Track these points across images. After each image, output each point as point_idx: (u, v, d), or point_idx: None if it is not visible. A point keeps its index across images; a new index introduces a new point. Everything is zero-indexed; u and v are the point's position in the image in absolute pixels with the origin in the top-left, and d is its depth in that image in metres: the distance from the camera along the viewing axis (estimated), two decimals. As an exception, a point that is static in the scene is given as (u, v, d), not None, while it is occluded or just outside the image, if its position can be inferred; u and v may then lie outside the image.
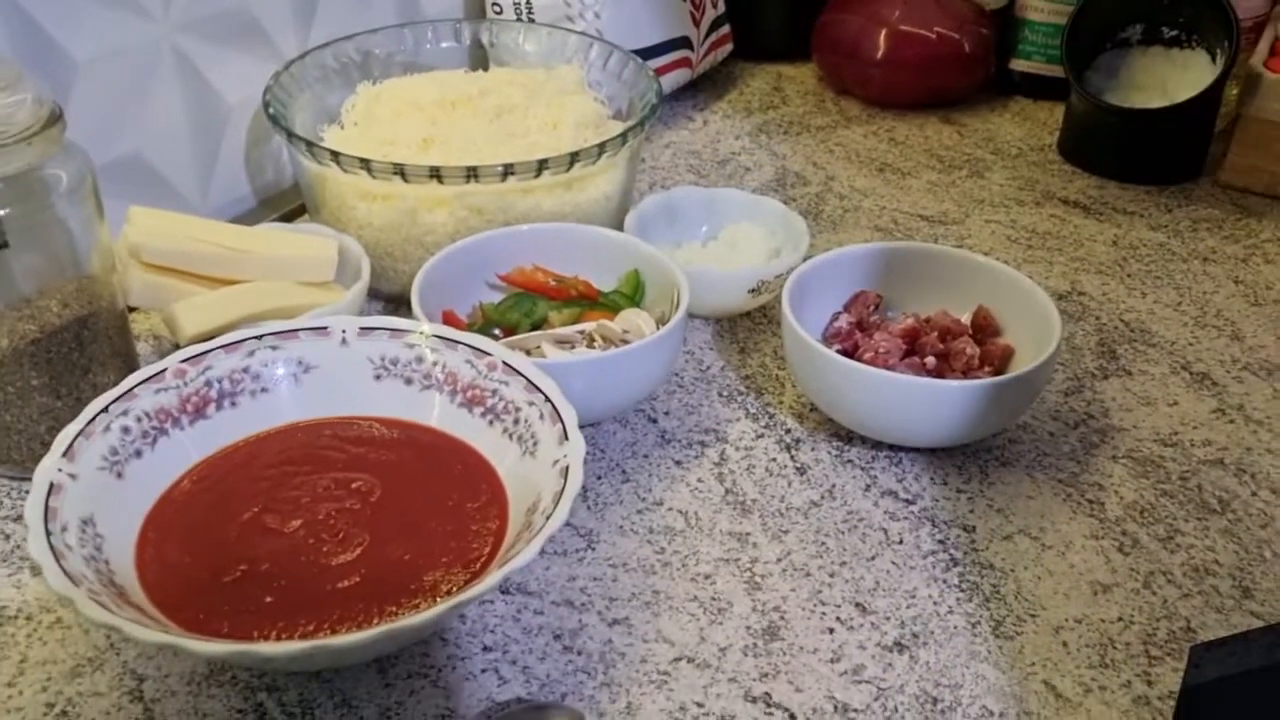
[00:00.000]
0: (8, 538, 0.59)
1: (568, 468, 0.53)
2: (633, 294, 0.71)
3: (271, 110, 0.75)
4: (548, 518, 0.51)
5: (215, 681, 0.52)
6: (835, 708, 0.52)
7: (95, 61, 0.71)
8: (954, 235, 0.87)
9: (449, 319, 0.68)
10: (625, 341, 0.65)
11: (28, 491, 0.60)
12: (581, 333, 0.66)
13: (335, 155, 0.70)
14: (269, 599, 0.51)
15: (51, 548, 0.48)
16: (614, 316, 0.68)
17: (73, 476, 0.53)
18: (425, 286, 0.67)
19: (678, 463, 0.65)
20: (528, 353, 0.65)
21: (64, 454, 0.53)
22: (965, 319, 0.70)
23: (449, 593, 0.51)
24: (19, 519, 0.60)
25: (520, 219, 0.73)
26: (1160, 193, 0.94)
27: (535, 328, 0.69)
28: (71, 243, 0.60)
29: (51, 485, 0.51)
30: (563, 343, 0.66)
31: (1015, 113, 1.07)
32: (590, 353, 0.65)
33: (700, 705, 0.52)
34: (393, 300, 0.77)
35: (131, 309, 0.67)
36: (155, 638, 0.45)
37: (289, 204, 0.87)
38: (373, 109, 0.80)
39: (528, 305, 0.70)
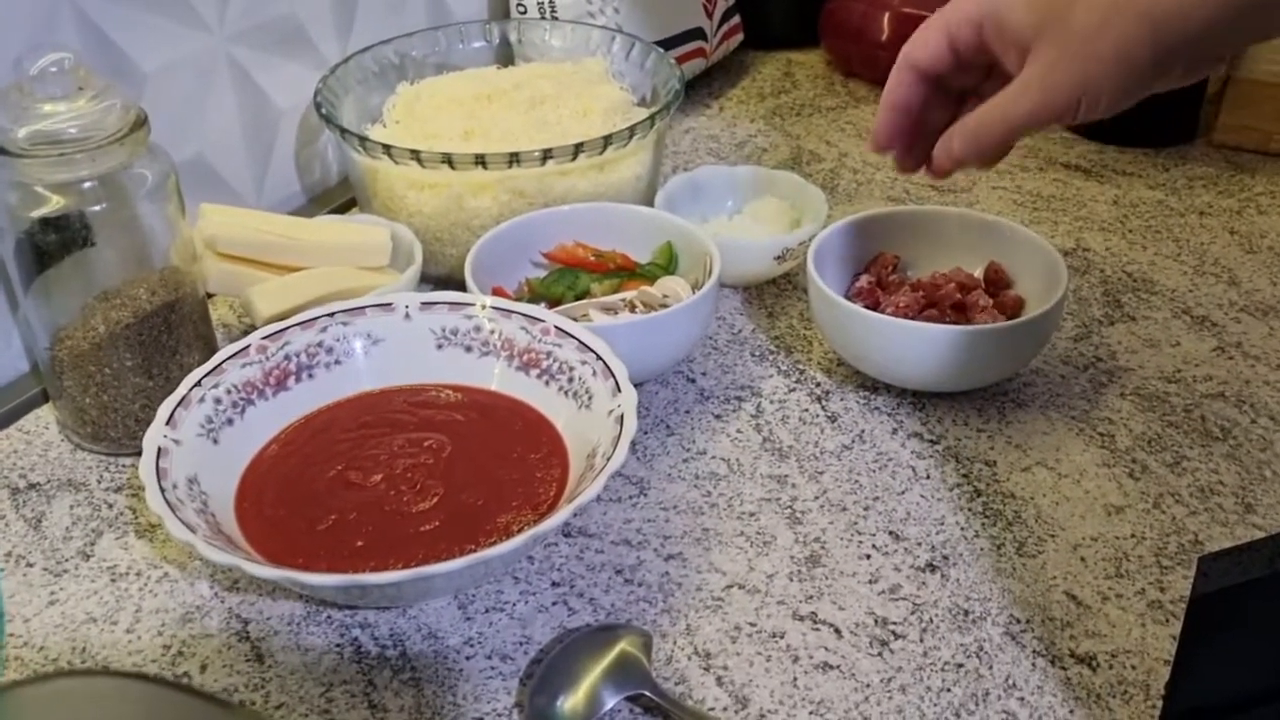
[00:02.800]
0: (111, 506, 0.65)
1: (622, 416, 0.59)
2: (667, 264, 0.76)
3: (324, 111, 0.81)
4: (608, 459, 0.56)
5: (313, 621, 0.58)
6: (875, 621, 0.57)
7: (161, 71, 0.77)
8: (963, 202, 0.93)
9: (498, 294, 0.74)
10: (665, 305, 0.71)
11: (125, 466, 0.66)
12: (624, 300, 0.72)
13: (387, 148, 0.76)
14: (360, 543, 0.57)
15: (167, 502, 0.54)
16: (652, 284, 0.73)
17: (176, 442, 0.58)
18: (476, 266, 0.72)
19: (717, 416, 0.71)
20: (575, 320, 0.70)
21: (167, 422, 0.59)
22: (978, 274, 0.76)
23: (521, 531, 0.57)
24: (119, 490, 0.66)
25: (559, 200, 0.78)
26: (1157, 154, 0.99)
27: (579, 299, 0.74)
28: (156, 236, 0.66)
29: (160, 449, 0.57)
30: (608, 309, 0.71)
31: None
32: (634, 316, 0.70)
33: (753, 624, 0.57)
34: (441, 282, 0.83)
35: (209, 296, 0.73)
36: (272, 573, 0.51)
37: (335, 200, 0.92)
38: (413, 107, 0.86)
39: (570, 279, 0.75)
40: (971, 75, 0.63)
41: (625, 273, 0.76)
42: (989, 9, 0.58)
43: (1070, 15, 0.54)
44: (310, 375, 0.65)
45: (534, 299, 0.75)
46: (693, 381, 0.73)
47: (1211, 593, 0.59)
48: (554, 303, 0.74)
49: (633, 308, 0.72)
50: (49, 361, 0.66)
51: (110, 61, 0.73)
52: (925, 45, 0.62)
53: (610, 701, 0.52)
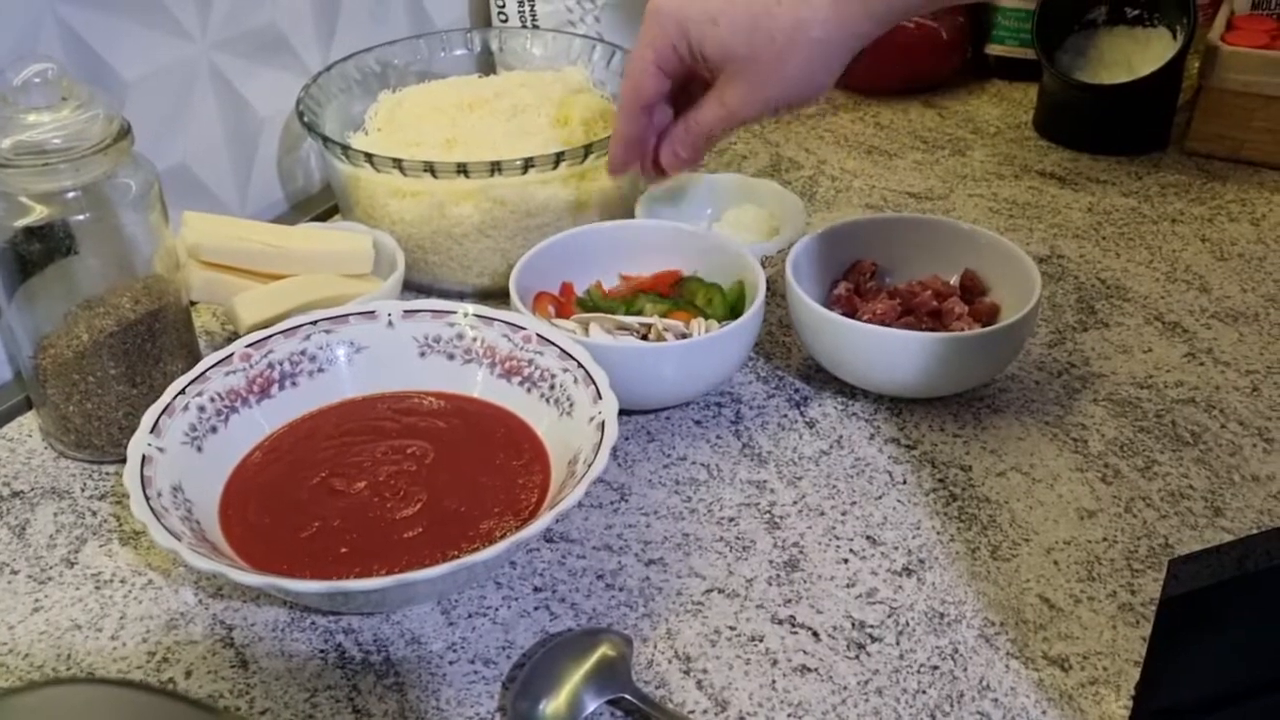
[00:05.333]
0: (95, 514, 0.65)
1: (603, 423, 0.59)
2: (734, 302, 0.74)
3: (306, 119, 0.81)
4: (589, 466, 0.57)
5: (297, 627, 0.58)
6: (853, 624, 0.58)
7: (143, 80, 0.77)
8: (940, 209, 0.94)
9: (540, 300, 0.74)
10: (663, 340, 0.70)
11: (109, 474, 0.67)
12: (642, 324, 0.71)
13: (369, 156, 0.76)
14: (343, 549, 0.58)
15: (152, 510, 0.54)
16: (688, 320, 0.72)
17: (160, 450, 0.59)
18: (524, 271, 0.73)
19: (697, 422, 0.71)
20: (586, 330, 0.71)
21: (151, 430, 0.59)
22: (954, 281, 0.77)
23: (503, 537, 0.57)
24: (103, 498, 0.66)
25: (540, 208, 0.79)
26: (1130, 162, 1.00)
27: (629, 314, 0.73)
28: (139, 245, 0.66)
29: (144, 457, 0.58)
30: (622, 330, 0.71)
31: (992, 94, 1.14)
32: (620, 341, 0.70)
33: (732, 628, 0.58)
34: (424, 289, 0.84)
35: (192, 304, 0.73)
36: (256, 580, 0.51)
37: (318, 207, 0.93)
38: (395, 115, 0.87)
39: (631, 298, 0.75)
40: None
41: (684, 302, 0.75)
42: (679, 34, 0.67)
43: (754, 49, 0.65)
44: (294, 383, 0.66)
45: (591, 305, 0.75)
46: (673, 388, 0.74)
47: (1181, 595, 0.60)
48: (607, 313, 0.73)
49: (645, 335, 0.71)
50: (32, 369, 0.66)
51: (93, 71, 0.74)
52: (644, 89, 0.70)
53: (591, 705, 0.53)
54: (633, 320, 0.71)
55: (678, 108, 0.73)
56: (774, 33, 0.64)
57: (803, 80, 0.66)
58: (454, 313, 0.68)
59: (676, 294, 0.76)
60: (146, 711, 0.30)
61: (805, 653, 0.57)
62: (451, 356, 0.68)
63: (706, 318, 0.72)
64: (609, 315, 0.72)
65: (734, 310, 0.73)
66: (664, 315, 0.73)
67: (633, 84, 0.70)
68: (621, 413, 0.61)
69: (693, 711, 0.54)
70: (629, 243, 0.78)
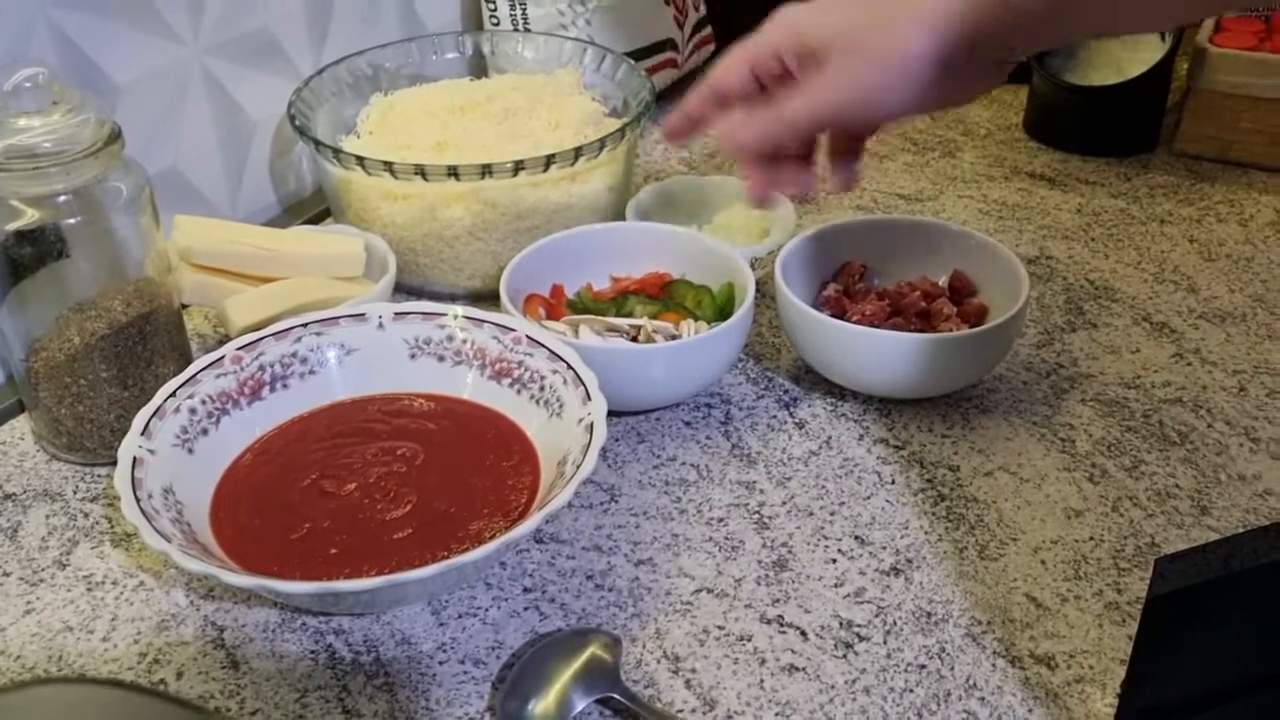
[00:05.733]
0: (87, 516, 0.65)
1: (592, 424, 0.60)
2: (723, 304, 0.75)
3: (297, 122, 0.81)
4: (578, 467, 0.57)
5: (288, 628, 0.58)
6: (841, 624, 0.58)
7: (135, 84, 0.77)
8: (930, 211, 0.94)
9: (531, 302, 0.75)
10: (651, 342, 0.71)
11: (100, 477, 0.67)
12: (632, 326, 0.71)
13: (360, 160, 0.77)
14: (334, 551, 0.58)
15: (143, 512, 0.55)
16: (677, 322, 0.72)
17: (151, 452, 0.59)
18: (514, 273, 0.73)
19: (687, 423, 0.72)
20: (576, 332, 0.71)
21: (142, 432, 0.59)
22: (943, 282, 0.77)
23: (493, 538, 0.58)
24: (95, 500, 0.66)
25: (531, 211, 0.79)
26: (1119, 163, 1.01)
27: (619, 315, 0.74)
28: (131, 248, 0.66)
29: (135, 459, 0.58)
30: (612, 331, 0.71)
31: (982, 96, 1.14)
32: (609, 343, 0.70)
33: (721, 628, 0.58)
34: (414, 292, 0.84)
35: (184, 306, 0.73)
36: (247, 581, 0.51)
37: (310, 210, 0.93)
38: (387, 118, 0.87)
39: (621, 298, 0.76)
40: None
41: (674, 304, 0.75)
42: (788, 33, 0.62)
43: (855, 24, 0.59)
44: (285, 385, 0.66)
45: (581, 307, 0.75)
46: (663, 389, 0.75)
47: (1167, 594, 0.60)
48: (597, 315, 0.74)
49: (635, 336, 0.72)
50: (24, 373, 0.67)
51: (84, 75, 0.74)
52: (729, 75, 0.64)
53: (580, 704, 0.53)
54: (622, 322, 0.72)
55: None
56: (880, 7, 0.58)
57: (897, 64, 0.58)
58: (444, 315, 0.68)
59: (666, 296, 0.76)
60: (135, 711, 0.31)
61: (793, 652, 0.57)
62: (442, 358, 0.68)
63: (696, 319, 0.72)
64: (599, 317, 0.72)
65: (723, 312, 0.74)
66: (654, 317, 0.73)
67: (721, 69, 0.65)
68: (611, 414, 0.62)
69: (681, 710, 0.54)
70: (619, 245, 0.78)
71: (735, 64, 0.64)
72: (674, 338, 0.70)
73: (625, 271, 0.78)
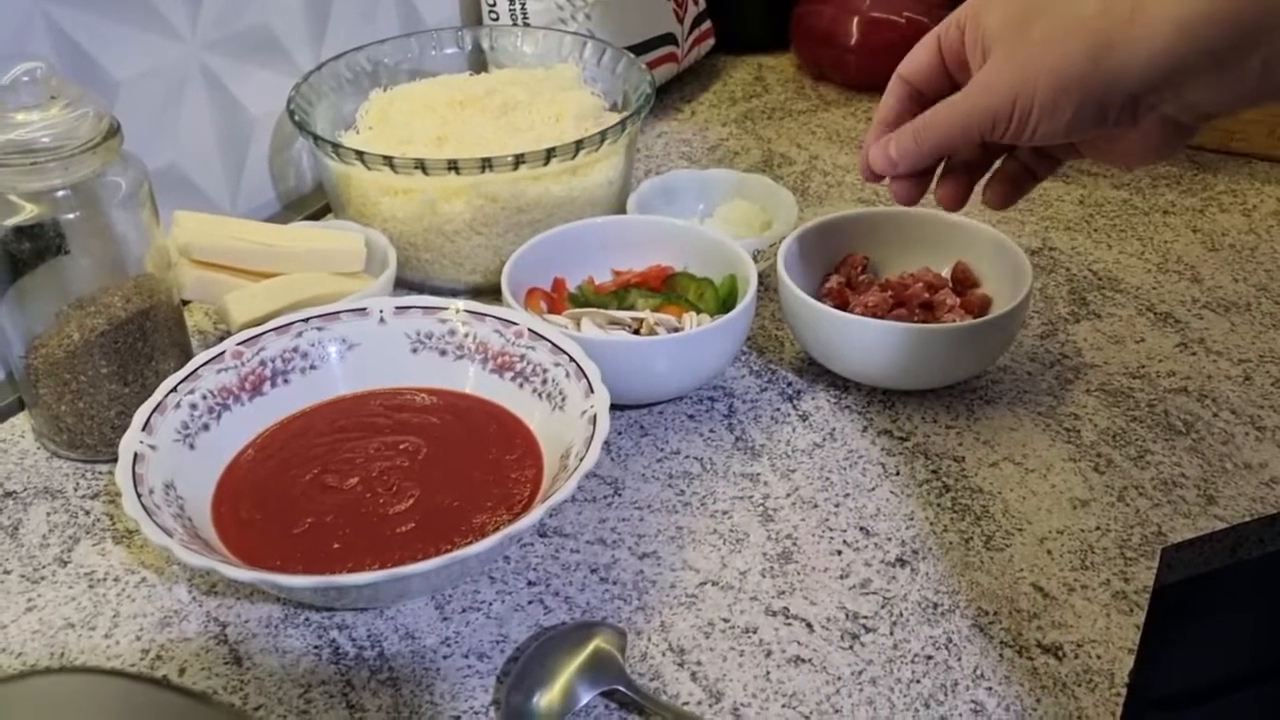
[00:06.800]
0: (88, 513, 0.65)
1: (595, 416, 0.59)
2: (726, 295, 0.74)
3: (297, 118, 0.81)
4: (581, 460, 0.57)
5: (291, 623, 0.58)
6: (846, 615, 0.58)
7: (134, 80, 0.77)
8: (931, 203, 0.93)
9: (532, 295, 0.74)
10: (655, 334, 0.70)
11: (101, 473, 0.67)
12: (634, 319, 0.71)
13: (360, 154, 0.76)
14: (336, 545, 0.58)
15: (144, 507, 0.54)
16: (679, 314, 0.72)
17: (152, 447, 0.59)
18: (515, 268, 0.72)
19: (690, 416, 0.71)
20: (578, 325, 0.70)
21: (143, 428, 0.59)
22: (946, 274, 0.77)
23: (496, 531, 0.57)
24: (95, 497, 0.66)
25: (532, 205, 0.79)
26: (1122, 154, 1.00)
27: (621, 309, 0.73)
28: (130, 244, 0.66)
29: (136, 455, 0.58)
30: (614, 324, 0.71)
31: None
32: (610, 335, 0.70)
33: (726, 620, 0.58)
34: (415, 286, 0.83)
35: (184, 302, 0.73)
36: (249, 576, 0.51)
37: (310, 207, 0.93)
38: (387, 113, 0.87)
39: (622, 291, 0.75)
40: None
41: (677, 296, 0.75)
42: (971, 11, 0.56)
43: (1030, 26, 0.53)
44: (286, 380, 0.66)
45: (583, 301, 0.75)
46: (666, 382, 0.74)
47: (1174, 583, 0.60)
48: (599, 308, 0.73)
49: (637, 329, 0.71)
50: (24, 369, 0.66)
51: (83, 70, 0.74)
52: (914, 56, 0.60)
53: (585, 697, 0.53)
54: (624, 315, 0.71)
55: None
56: (1050, 13, 0.51)
57: (1047, 78, 0.51)
58: (446, 309, 0.68)
59: (668, 289, 0.76)
60: (138, 701, 0.30)
61: (799, 644, 0.57)
62: (443, 352, 0.68)
63: (698, 312, 0.72)
64: (601, 310, 0.72)
65: (726, 304, 0.73)
66: (656, 310, 0.73)
67: (906, 58, 0.60)
68: (614, 407, 0.61)
69: (687, 703, 0.54)
70: (621, 238, 0.78)
71: (923, 45, 0.59)
72: (676, 330, 0.70)
73: (627, 265, 0.78)
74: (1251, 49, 0.47)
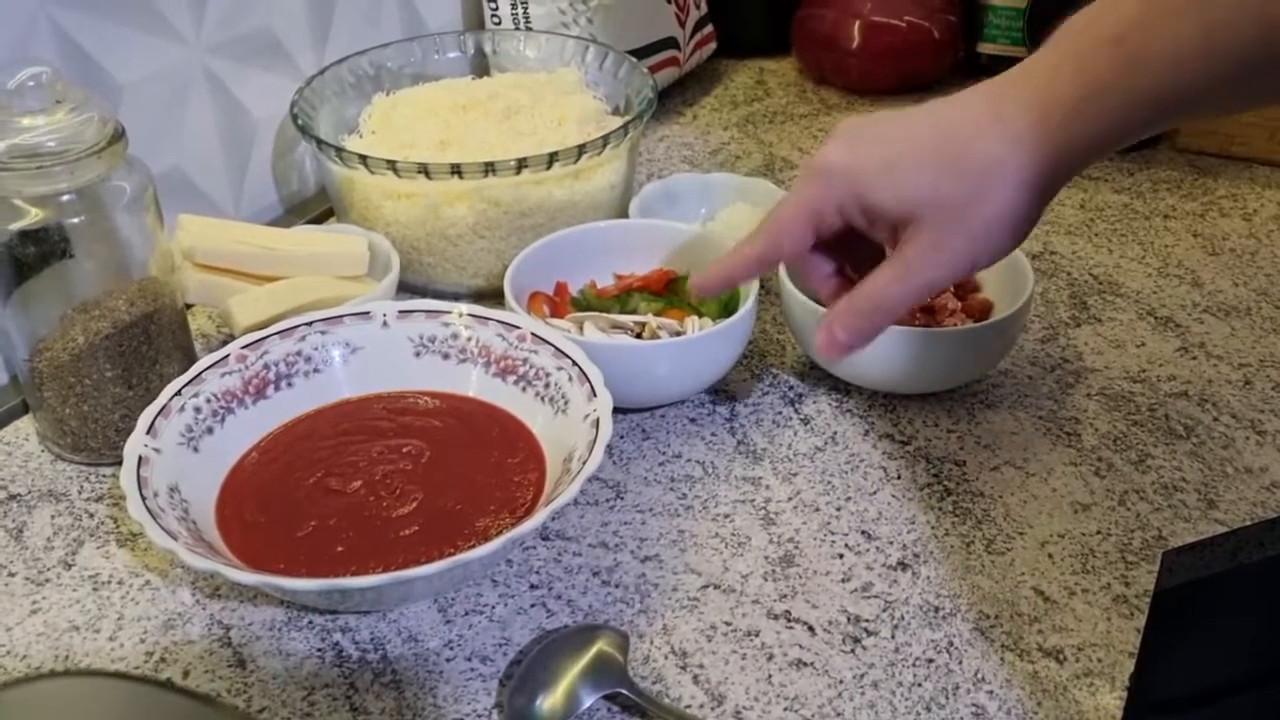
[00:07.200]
0: (92, 516, 0.65)
1: (598, 420, 0.60)
2: (727, 302, 0.74)
3: (300, 122, 0.81)
4: (584, 463, 0.57)
5: (294, 626, 0.58)
6: (848, 619, 0.58)
7: (138, 84, 0.77)
8: (933, 207, 0.94)
9: (535, 299, 0.74)
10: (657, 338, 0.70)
11: (105, 476, 0.67)
12: (637, 323, 0.71)
13: (364, 158, 0.77)
14: (340, 548, 0.58)
15: (149, 510, 0.55)
16: (682, 318, 0.72)
17: (157, 451, 0.59)
18: (518, 272, 0.73)
19: (692, 420, 0.72)
20: (581, 329, 0.71)
21: (148, 431, 0.59)
22: (947, 278, 0.77)
23: (499, 534, 0.58)
24: (100, 500, 0.66)
25: (534, 209, 0.79)
26: (1122, 159, 1.00)
27: (624, 313, 0.73)
28: (134, 248, 0.66)
29: (140, 458, 0.58)
30: (617, 328, 0.71)
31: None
32: (613, 339, 0.70)
33: (728, 624, 0.58)
34: (418, 290, 0.84)
35: (188, 306, 0.73)
36: (253, 579, 0.51)
37: (313, 210, 0.93)
38: (389, 117, 0.87)
39: (624, 295, 0.75)
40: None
41: (678, 301, 0.75)
42: (847, 192, 0.57)
43: (940, 191, 0.54)
44: (289, 384, 0.66)
45: (586, 305, 0.75)
46: (668, 386, 0.74)
47: (1175, 586, 0.60)
48: (602, 312, 0.74)
49: (639, 333, 0.71)
50: (28, 373, 0.66)
51: (87, 75, 0.74)
52: (786, 241, 0.60)
53: (588, 700, 0.53)
54: (627, 319, 0.72)
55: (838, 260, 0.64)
56: (966, 170, 0.53)
57: (997, 228, 0.54)
58: (449, 313, 0.68)
59: (670, 293, 0.76)
60: (144, 703, 0.30)
61: (801, 647, 0.57)
62: (446, 356, 0.68)
63: (700, 316, 0.72)
64: (603, 314, 0.72)
65: (728, 308, 0.74)
66: (658, 314, 0.73)
67: (772, 237, 0.60)
68: (616, 411, 0.62)
69: (689, 706, 0.54)
70: (623, 242, 0.78)
71: (794, 228, 0.59)
72: (678, 334, 0.70)
73: (629, 269, 0.78)
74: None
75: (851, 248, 0.62)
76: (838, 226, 0.59)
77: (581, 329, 0.71)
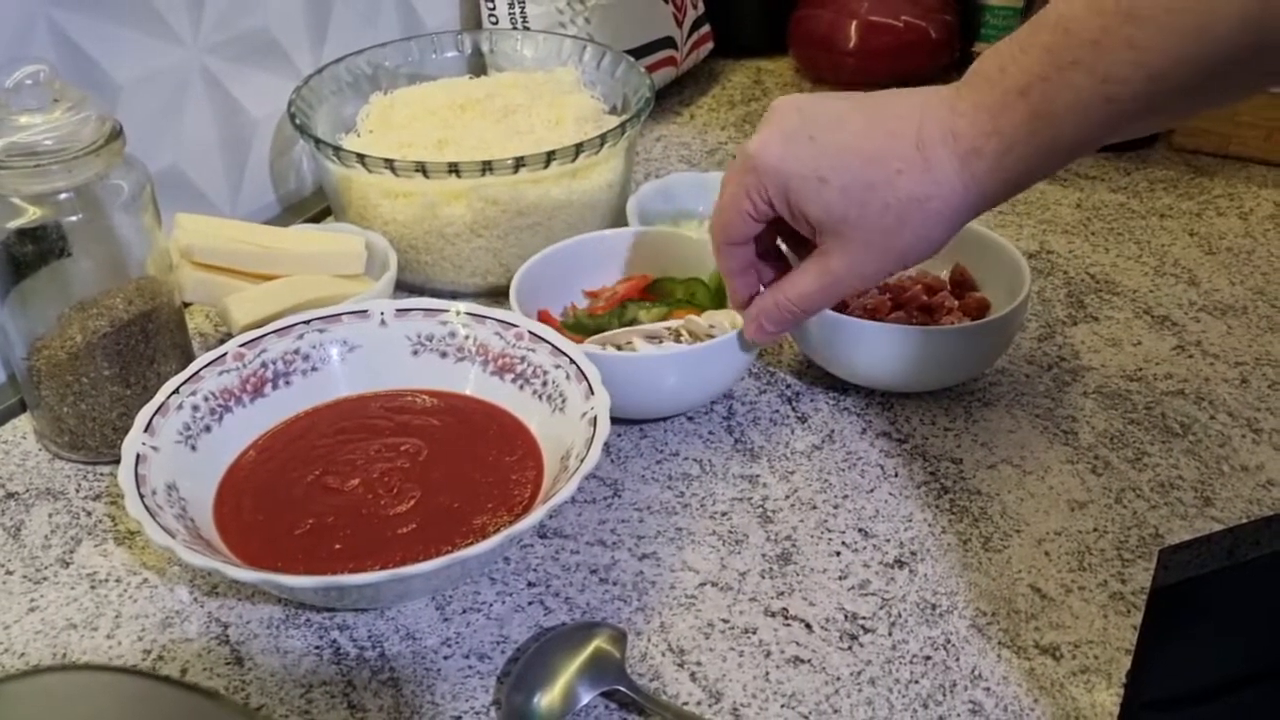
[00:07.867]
0: (89, 514, 0.65)
1: (595, 418, 0.60)
2: (717, 288, 0.74)
3: (298, 121, 0.81)
4: (581, 461, 0.57)
5: (292, 624, 0.58)
6: (845, 616, 0.58)
7: (135, 83, 0.77)
8: (930, 206, 0.94)
9: (544, 318, 0.74)
10: (710, 336, 0.70)
11: (103, 475, 0.67)
12: (669, 329, 0.71)
13: (361, 157, 0.77)
14: (338, 546, 0.58)
15: (147, 508, 0.55)
16: (699, 314, 0.72)
17: (155, 449, 0.59)
18: (521, 288, 0.72)
19: (689, 418, 0.72)
20: (619, 348, 0.70)
21: (145, 429, 0.59)
22: (944, 276, 0.77)
23: (496, 532, 0.58)
24: (97, 498, 0.66)
25: (532, 208, 0.79)
26: (1119, 158, 1.01)
27: (624, 326, 0.73)
28: (132, 247, 0.66)
29: (138, 456, 0.58)
30: (652, 338, 0.71)
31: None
32: (679, 346, 0.69)
33: (726, 621, 0.58)
34: (416, 289, 0.84)
35: (186, 305, 0.73)
36: (251, 576, 0.51)
37: (310, 209, 0.93)
38: (387, 116, 0.87)
39: (619, 308, 0.75)
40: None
41: (673, 301, 0.75)
42: (777, 190, 0.60)
43: (865, 218, 0.58)
44: (287, 382, 0.66)
45: (578, 328, 0.74)
46: (665, 385, 0.75)
47: (1172, 584, 0.60)
48: (599, 332, 0.72)
49: (678, 337, 0.71)
50: (26, 371, 0.66)
51: (85, 74, 0.74)
52: (734, 228, 0.63)
53: (586, 697, 0.53)
54: (659, 327, 0.71)
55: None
56: (890, 201, 0.57)
57: (917, 249, 0.59)
58: (446, 311, 0.68)
59: (657, 297, 0.76)
60: (143, 697, 0.31)
61: (798, 644, 0.57)
62: (444, 354, 0.68)
63: (701, 310, 0.72)
64: (639, 327, 0.72)
65: (719, 296, 0.74)
66: (661, 318, 0.73)
67: (721, 224, 0.64)
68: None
69: (686, 703, 0.54)
70: (589, 258, 0.77)
71: (738, 216, 0.62)
72: (711, 329, 0.70)
73: (598, 283, 0.78)
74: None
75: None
76: (770, 215, 0.62)
77: (622, 347, 0.70)
